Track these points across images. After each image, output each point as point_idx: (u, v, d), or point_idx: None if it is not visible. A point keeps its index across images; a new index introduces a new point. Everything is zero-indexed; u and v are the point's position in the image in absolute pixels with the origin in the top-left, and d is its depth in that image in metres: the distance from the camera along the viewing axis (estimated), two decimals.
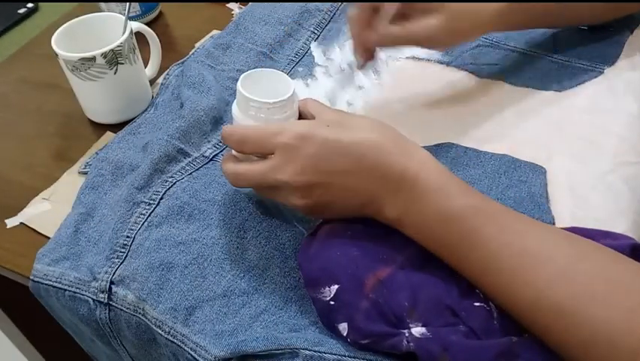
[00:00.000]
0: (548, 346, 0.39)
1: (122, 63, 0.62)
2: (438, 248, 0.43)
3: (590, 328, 0.36)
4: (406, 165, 0.43)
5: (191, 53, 0.73)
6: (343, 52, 0.71)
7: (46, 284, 0.52)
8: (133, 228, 0.53)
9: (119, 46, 0.60)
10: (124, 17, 0.63)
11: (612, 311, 0.36)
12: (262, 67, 0.69)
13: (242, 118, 0.47)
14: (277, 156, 0.44)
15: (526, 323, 0.40)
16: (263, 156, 0.46)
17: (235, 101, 0.48)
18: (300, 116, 0.49)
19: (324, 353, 0.44)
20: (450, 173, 0.44)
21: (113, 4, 0.77)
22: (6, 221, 0.58)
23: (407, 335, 0.42)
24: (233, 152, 0.49)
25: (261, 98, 0.46)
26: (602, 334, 0.36)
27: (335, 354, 0.43)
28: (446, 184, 0.43)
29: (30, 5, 0.93)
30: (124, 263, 0.51)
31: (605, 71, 0.65)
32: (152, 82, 0.70)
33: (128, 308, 0.49)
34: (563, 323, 0.37)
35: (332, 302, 0.44)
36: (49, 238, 0.55)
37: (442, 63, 0.68)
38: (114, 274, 0.50)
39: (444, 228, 0.42)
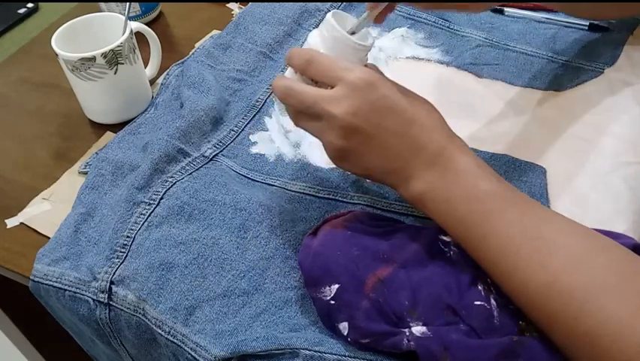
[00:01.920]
0: (552, 337, 0.39)
1: (122, 63, 0.62)
2: (457, 227, 0.44)
3: (598, 318, 0.36)
4: (446, 145, 0.44)
5: (191, 53, 0.73)
6: None
7: (46, 284, 0.52)
8: (133, 228, 0.53)
9: (119, 46, 0.60)
10: (124, 17, 0.63)
11: (622, 305, 0.36)
12: (262, 67, 0.69)
13: (319, 44, 0.47)
14: (338, 88, 0.44)
15: (535, 310, 0.40)
16: (322, 85, 0.46)
17: (315, 30, 0.48)
18: None
19: (324, 353, 0.44)
20: (482, 161, 0.45)
21: (113, 4, 0.77)
22: (6, 221, 0.58)
23: (408, 334, 0.42)
24: (287, 73, 0.48)
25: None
26: (609, 326, 0.36)
27: (335, 354, 0.43)
28: (477, 169, 0.44)
29: (30, 5, 0.93)
30: (124, 263, 0.51)
31: (605, 71, 0.65)
32: (152, 82, 0.70)
33: (128, 308, 0.49)
34: (572, 310, 0.37)
35: (332, 302, 0.44)
36: (49, 238, 0.55)
37: (442, 63, 0.68)
38: (114, 274, 0.50)
39: (467, 207, 0.43)
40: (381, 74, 0.48)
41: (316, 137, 0.47)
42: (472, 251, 0.43)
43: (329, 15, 0.47)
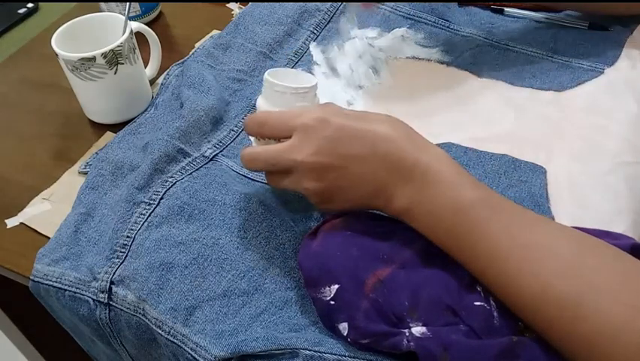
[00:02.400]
0: (550, 341, 0.39)
1: (122, 63, 0.62)
2: (445, 239, 0.43)
3: (594, 322, 0.36)
4: (419, 157, 0.44)
5: (191, 53, 0.73)
6: (342, 52, 0.71)
7: (46, 284, 0.52)
8: (133, 228, 0.53)
9: (119, 46, 0.60)
10: (124, 17, 0.63)
11: (617, 306, 0.36)
12: (262, 67, 0.69)
13: (265, 106, 0.49)
14: (295, 136, 0.45)
15: (530, 316, 0.40)
16: (282, 140, 0.47)
17: (260, 95, 0.50)
18: None
19: (324, 353, 0.44)
20: (461, 168, 0.44)
21: (113, 4, 0.77)
22: (6, 221, 0.58)
23: (407, 334, 0.42)
24: (253, 142, 0.50)
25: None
26: (606, 328, 0.36)
27: (335, 354, 0.43)
28: (457, 177, 0.43)
29: (30, 5, 0.93)
30: (124, 263, 0.51)
31: (605, 71, 0.65)
32: (152, 82, 0.70)
33: (128, 308, 0.49)
34: (567, 316, 0.37)
35: (332, 302, 0.44)
36: (49, 238, 0.55)
37: (442, 63, 0.68)
38: (114, 274, 0.50)
39: (453, 218, 0.42)
40: (335, 106, 0.48)
41: (295, 191, 0.48)
42: (462, 262, 0.43)
43: (265, 74, 0.49)
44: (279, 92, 0.48)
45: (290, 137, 0.46)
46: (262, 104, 0.50)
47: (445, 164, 0.44)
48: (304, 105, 0.49)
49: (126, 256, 0.51)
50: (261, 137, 0.49)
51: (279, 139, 0.47)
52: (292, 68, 0.70)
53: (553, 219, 0.52)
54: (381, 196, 0.45)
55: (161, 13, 0.82)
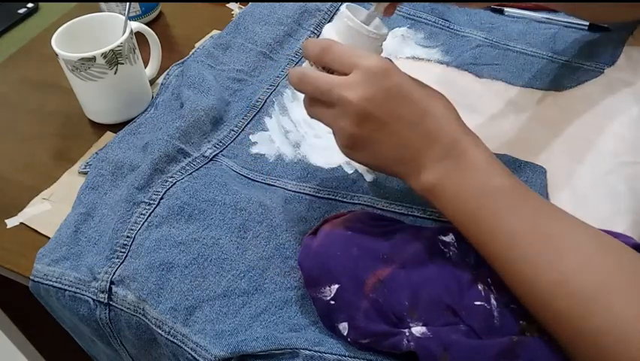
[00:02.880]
0: (556, 336, 0.39)
1: (122, 63, 0.62)
2: (465, 221, 0.44)
3: (604, 319, 0.36)
4: (459, 138, 0.44)
5: (191, 53, 0.73)
6: None
7: (46, 284, 0.52)
8: (133, 228, 0.53)
9: (119, 46, 0.60)
10: (124, 17, 0.63)
11: (628, 305, 0.36)
12: (262, 67, 0.69)
13: (334, 36, 0.47)
14: (354, 75, 0.44)
15: (541, 307, 0.40)
16: (338, 74, 0.45)
17: (329, 23, 0.49)
18: None
19: (324, 353, 0.44)
20: (494, 157, 0.45)
21: (113, 4, 0.77)
22: (6, 221, 0.58)
23: (407, 334, 0.42)
24: (305, 65, 0.48)
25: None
26: (615, 327, 0.36)
27: (335, 354, 0.43)
28: (490, 164, 0.44)
29: (30, 5, 0.93)
30: (124, 263, 0.51)
31: (605, 71, 0.65)
32: (152, 82, 0.70)
33: (128, 308, 0.49)
34: (579, 310, 0.37)
35: (332, 302, 0.44)
36: (49, 238, 0.55)
37: (442, 63, 0.68)
38: (114, 274, 0.50)
39: (478, 202, 0.43)
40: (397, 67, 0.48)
41: (329, 125, 0.47)
42: (480, 246, 0.43)
43: (343, 6, 0.47)
44: (352, 27, 0.46)
45: (347, 74, 0.44)
46: (330, 32, 0.48)
47: (480, 151, 0.44)
48: (372, 48, 0.47)
49: (126, 256, 0.51)
50: (318, 63, 0.47)
51: (332, 72, 0.46)
52: (293, 68, 0.69)
53: None
54: (411, 165, 0.45)
55: (161, 13, 0.82)
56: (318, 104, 0.47)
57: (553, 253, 0.40)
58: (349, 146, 0.46)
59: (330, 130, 0.47)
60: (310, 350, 0.44)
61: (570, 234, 0.41)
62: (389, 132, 0.44)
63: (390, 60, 0.48)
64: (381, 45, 0.49)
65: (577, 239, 0.40)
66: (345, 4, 0.48)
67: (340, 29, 0.47)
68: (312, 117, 0.48)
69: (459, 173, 0.43)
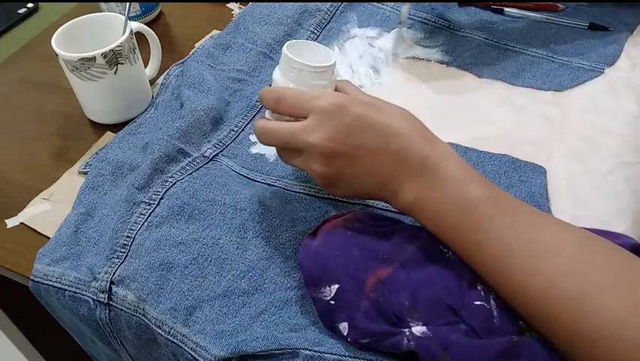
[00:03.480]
0: (552, 339, 0.39)
1: (122, 63, 0.62)
2: (450, 235, 0.44)
3: (597, 320, 0.36)
4: (429, 153, 0.44)
5: (191, 53, 0.73)
6: (343, 52, 0.71)
7: (46, 284, 0.52)
8: (133, 228, 0.53)
9: (119, 46, 0.60)
10: (124, 17, 0.63)
11: (620, 304, 0.36)
12: (262, 67, 0.69)
13: (282, 81, 0.49)
14: (311, 118, 0.45)
15: (533, 314, 0.40)
16: (296, 119, 0.47)
17: (277, 66, 0.50)
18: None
19: (324, 353, 0.44)
20: (469, 166, 0.45)
21: (113, 4, 0.77)
22: (6, 221, 0.58)
23: (407, 334, 0.42)
24: (267, 114, 0.50)
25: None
26: (609, 327, 0.36)
27: (335, 354, 0.43)
28: (464, 175, 0.44)
29: (30, 5, 0.93)
30: (124, 263, 0.51)
31: (605, 71, 0.65)
32: (152, 82, 0.70)
33: (128, 308, 0.49)
34: (570, 313, 0.37)
35: (332, 302, 0.44)
36: (49, 238, 0.55)
37: (442, 63, 0.68)
38: (114, 274, 0.50)
39: (458, 215, 0.43)
40: (353, 89, 0.49)
41: (303, 170, 0.48)
42: (467, 259, 0.43)
43: (284, 47, 0.48)
44: (296, 68, 0.47)
45: (305, 117, 0.46)
46: (278, 78, 0.49)
47: (453, 162, 0.44)
48: (321, 83, 0.48)
49: (126, 256, 0.51)
50: (275, 112, 0.48)
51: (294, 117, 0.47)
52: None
53: None
54: (388, 189, 0.46)
55: (161, 13, 0.82)
56: (286, 152, 0.48)
57: (539, 259, 0.39)
58: (326, 184, 0.47)
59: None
60: (310, 350, 0.44)
61: (554, 237, 0.41)
62: (359, 164, 0.45)
63: (348, 85, 0.49)
64: (333, 75, 0.49)
65: (561, 242, 0.40)
66: (286, 44, 0.48)
67: (285, 72, 0.48)
68: (287, 164, 0.50)
69: (434, 188, 0.44)
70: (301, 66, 0.47)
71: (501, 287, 0.41)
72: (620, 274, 0.38)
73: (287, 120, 0.48)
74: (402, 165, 0.44)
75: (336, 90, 0.50)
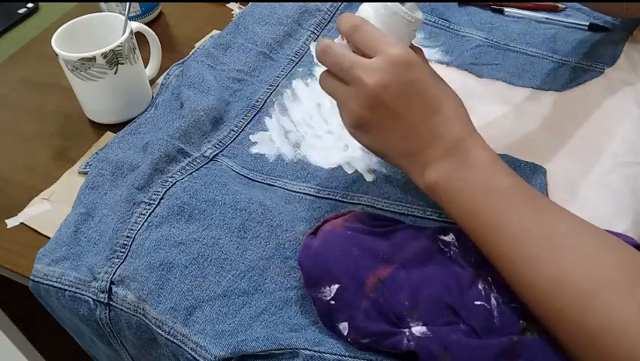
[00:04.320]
0: (556, 333, 0.39)
1: (122, 63, 0.62)
2: (469, 220, 0.44)
3: (605, 315, 0.37)
4: (465, 138, 0.45)
5: (191, 53, 0.73)
6: None
7: (46, 284, 0.52)
8: (133, 228, 0.53)
9: (119, 46, 0.60)
10: (124, 17, 0.63)
11: (628, 303, 0.36)
12: (262, 67, 0.69)
13: (369, 14, 0.47)
14: (377, 59, 0.44)
15: (541, 305, 0.40)
16: (362, 54, 0.46)
17: (367, 3, 0.48)
18: None
19: (324, 353, 0.44)
20: (498, 157, 0.45)
21: (113, 4, 0.77)
22: (6, 221, 0.58)
23: (407, 334, 0.42)
24: (337, 39, 0.48)
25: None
26: (615, 323, 0.36)
27: (335, 354, 0.43)
28: (494, 163, 0.45)
29: (30, 5, 0.93)
30: (124, 263, 0.51)
31: (605, 71, 0.65)
32: (152, 82, 0.70)
33: (128, 308, 0.49)
34: (580, 306, 0.38)
35: (332, 302, 0.44)
36: (49, 238, 0.55)
37: (442, 63, 0.68)
38: (114, 274, 0.50)
39: (482, 200, 0.43)
40: (423, 58, 0.48)
41: (339, 102, 0.47)
42: (481, 244, 0.43)
43: None
44: (390, 9, 0.46)
45: (372, 56, 0.45)
46: (367, 10, 0.47)
47: (486, 150, 0.45)
48: (405, 32, 0.47)
49: (126, 256, 0.51)
50: (347, 39, 0.47)
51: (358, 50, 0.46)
52: (293, 68, 0.69)
53: None
54: (416, 160, 0.46)
55: (161, 13, 0.82)
56: (334, 79, 0.47)
57: (554, 251, 0.40)
58: (356, 126, 0.47)
59: (334, 124, 0.47)
60: (310, 350, 0.44)
61: (571, 232, 0.41)
62: (397, 123, 0.45)
63: (420, 53, 0.48)
64: (416, 30, 0.48)
65: (578, 237, 0.41)
66: None
67: (377, 8, 0.47)
68: (324, 89, 0.48)
69: (462, 171, 0.44)
70: (396, 9, 0.46)
71: (512, 275, 0.42)
72: (630, 274, 0.38)
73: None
74: (436, 141, 0.45)
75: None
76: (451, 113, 0.46)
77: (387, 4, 0.46)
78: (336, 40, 0.48)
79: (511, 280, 0.42)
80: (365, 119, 0.46)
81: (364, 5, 0.48)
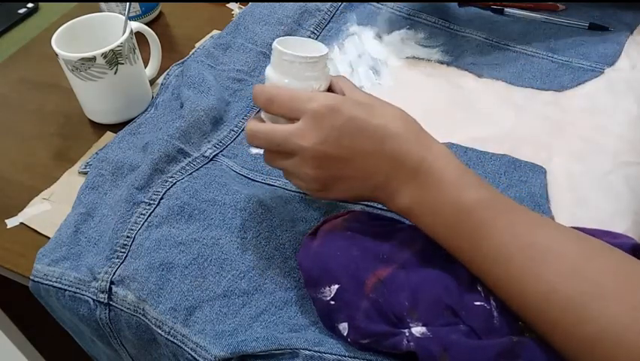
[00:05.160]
0: (553, 343, 0.39)
1: (122, 63, 0.62)
2: (448, 239, 0.43)
3: (598, 323, 0.36)
4: (424, 156, 0.44)
5: (191, 53, 0.73)
6: (342, 52, 0.71)
7: (46, 284, 0.52)
8: (133, 228, 0.53)
9: (119, 46, 0.60)
10: (124, 17, 0.63)
11: (620, 308, 0.36)
12: (262, 67, 0.69)
13: (274, 76, 0.47)
14: (304, 121, 0.44)
15: (533, 318, 0.40)
16: (289, 120, 0.46)
17: (270, 63, 0.48)
18: (330, 91, 0.49)
19: (324, 353, 0.44)
20: (465, 167, 0.44)
21: (113, 4, 0.77)
22: (6, 221, 0.58)
23: (407, 334, 0.42)
24: (262, 114, 0.48)
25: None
26: (609, 330, 0.36)
27: (335, 354, 0.43)
28: (461, 177, 0.43)
29: (30, 5, 0.93)
30: (124, 263, 0.51)
31: (605, 71, 0.65)
32: (152, 82, 0.70)
33: (128, 308, 0.49)
34: (571, 318, 0.37)
35: (332, 302, 0.44)
36: (49, 238, 0.55)
37: (442, 63, 0.68)
38: (114, 274, 0.50)
39: (455, 218, 0.42)
40: (351, 86, 0.47)
41: (293, 174, 0.47)
42: (465, 262, 0.43)
43: (274, 42, 0.47)
44: (287, 60, 0.46)
45: (298, 118, 0.45)
46: (271, 73, 0.48)
47: (449, 163, 0.44)
48: (314, 75, 0.47)
49: (126, 256, 0.51)
50: (268, 112, 0.47)
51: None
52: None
53: (553, 219, 0.52)
54: (384, 191, 0.45)
55: (161, 13, 0.82)
56: (277, 156, 0.47)
57: (537, 263, 0.39)
58: (318, 189, 0.47)
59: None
60: (310, 350, 0.44)
61: (553, 240, 0.40)
62: (353, 167, 0.45)
63: (343, 81, 0.47)
64: (325, 64, 0.48)
65: (560, 246, 0.40)
66: (276, 39, 0.47)
67: (277, 66, 0.47)
68: (272, 167, 0.48)
69: (431, 191, 0.43)
70: (292, 58, 0.46)
71: (500, 291, 0.41)
72: (619, 279, 0.38)
73: (280, 121, 0.47)
74: (397, 168, 0.44)
75: (331, 86, 0.49)
76: (402, 134, 0.44)
77: (283, 57, 0.46)
78: (262, 115, 0.48)
79: (500, 295, 0.41)
80: (321, 179, 0.45)
81: (267, 70, 0.48)
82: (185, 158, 0.58)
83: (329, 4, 0.76)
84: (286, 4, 0.75)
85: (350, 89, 0.47)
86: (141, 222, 0.53)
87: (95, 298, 0.50)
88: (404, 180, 0.44)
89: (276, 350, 0.44)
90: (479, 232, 0.41)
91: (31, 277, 0.53)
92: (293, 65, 0.46)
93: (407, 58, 0.70)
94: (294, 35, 0.73)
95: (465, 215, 0.42)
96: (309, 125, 0.44)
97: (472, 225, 0.42)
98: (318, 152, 0.44)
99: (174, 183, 0.56)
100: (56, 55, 0.61)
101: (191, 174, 0.57)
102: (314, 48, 0.48)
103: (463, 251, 0.43)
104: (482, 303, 0.42)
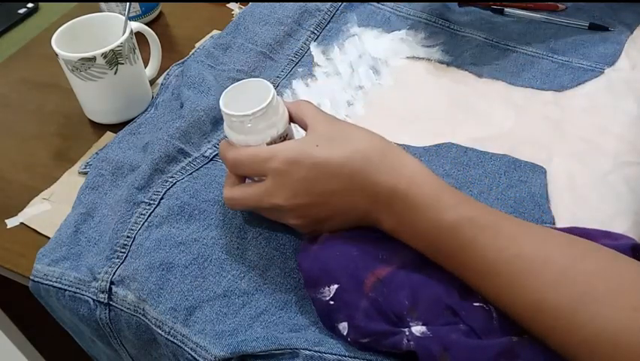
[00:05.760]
0: (551, 347, 0.39)
1: (122, 63, 0.62)
2: (435, 258, 0.44)
3: (593, 327, 0.36)
4: (395, 183, 0.43)
5: (191, 53, 0.73)
6: (343, 52, 0.71)
7: (46, 284, 0.52)
8: (133, 228, 0.53)
9: (119, 46, 0.60)
10: (124, 17, 0.63)
11: (615, 310, 0.36)
12: (262, 67, 0.69)
13: (232, 136, 0.49)
14: (269, 180, 0.46)
15: (527, 326, 0.40)
16: (257, 178, 0.48)
17: (225, 123, 0.50)
18: (292, 119, 0.50)
19: (324, 353, 0.44)
20: (442, 183, 0.44)
21: (113, 4, 0.77)
22: (6, 221, 0.58)
23: (407, 333, 0.42)
24: None
25: (243, 110, 0.47)
26: (606, 333, 0.35)
27: (335, 354, 0.43)
28: (437, 197, 0.43)
29: (30, 5, 0.93)
30: (124, 263, 0.51)
31: (605, 71, 0.65)
32: (152, 82, 0.70)
33: (128, 308, 0.49)
34: (564, 324, 0.37)
35: (332, 302, 0.44)
36: (49, 238, 0.55)
37: (442, 63, 0.68)
38: (114, 274, 0.50)
39: (438, 239, 0.43)
40: (313, 112, 0.48)
41: (282, 221, 0.49)
42: (456, 275, 0.43)
43: (220, 102, 0.48)
44: (236, 122, 0.47)
45: (264, 178, 0.46)
46: (229, 133, 0.49)
47: (424, 185, 0.43)
48: (268, 124, 0.47)
49: (126, 256, 0.51)
50: (236, 175, 0.49)
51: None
52: (293, 68, 0.69)
53: (553, 219, 0.52)
54: (368, 220, 0.46)
55: (161, 13, 0.82)
56: (260, 210, 0.49)
57: (524, 274, 0.39)
58: (311, 229, 0.48)
59: None
60: (310, 350, 0.44)
61: (538, 249, 0.40)
62: (332, 208, 0.46)
63: (307, 103, 0.49)
64: (280, 107, 0.49)
65: (547, 253, 0.40)
66: (223, 92, 0.48)
67: (232, 126, 0.48)
68: (269, 218, 0.50)
69: (408, 217, 0.43)
70: (241, 118, 0.47)
71: (492, 302, 0.42)
72: (611, 279, 0.38)
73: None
74: (372, 200, 0.44)
75: (292, 117, 0.49)
76: (367, 166, 0.44)
77: (232, 120, 0.47)
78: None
79: (494, 305, 0.42)
80: (307, 223, 0.47)
81: (225, 130, 0.49)
82: (185, 158, 0.58)
83: (329, 4, 0.76)
84: (286, 4, 0.75)
85: (312, 117, 0.48)
86: (141, 223, 0.53)
87: (95, 298, 0.50)
88: (381, 210, 0.44)
89: (276, 350, 0.44)
90: (463, 252, 0.41)
91: (31, 277, 0.53)
92: (244, 124, 0.47)
93: (407, 58, 0.70)
94: (294, 35, 0.73)
95: (446, 237, 0.42)
96: (275, 183, 0.45)
97: (456, 245, 0.42)
98: (293, 205, 0.45)
99: (174, 183, 0.56)
100: (56, 55, 0.61)
101: (191, 174, 0.57)
102: (261, 88, 0.48)
103: (451, 267, 0.43)
104: (481, 304, 0.42)
